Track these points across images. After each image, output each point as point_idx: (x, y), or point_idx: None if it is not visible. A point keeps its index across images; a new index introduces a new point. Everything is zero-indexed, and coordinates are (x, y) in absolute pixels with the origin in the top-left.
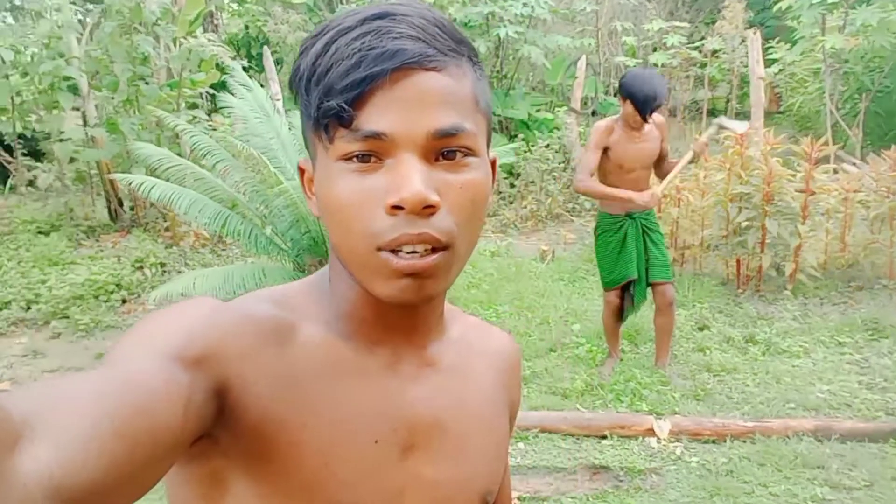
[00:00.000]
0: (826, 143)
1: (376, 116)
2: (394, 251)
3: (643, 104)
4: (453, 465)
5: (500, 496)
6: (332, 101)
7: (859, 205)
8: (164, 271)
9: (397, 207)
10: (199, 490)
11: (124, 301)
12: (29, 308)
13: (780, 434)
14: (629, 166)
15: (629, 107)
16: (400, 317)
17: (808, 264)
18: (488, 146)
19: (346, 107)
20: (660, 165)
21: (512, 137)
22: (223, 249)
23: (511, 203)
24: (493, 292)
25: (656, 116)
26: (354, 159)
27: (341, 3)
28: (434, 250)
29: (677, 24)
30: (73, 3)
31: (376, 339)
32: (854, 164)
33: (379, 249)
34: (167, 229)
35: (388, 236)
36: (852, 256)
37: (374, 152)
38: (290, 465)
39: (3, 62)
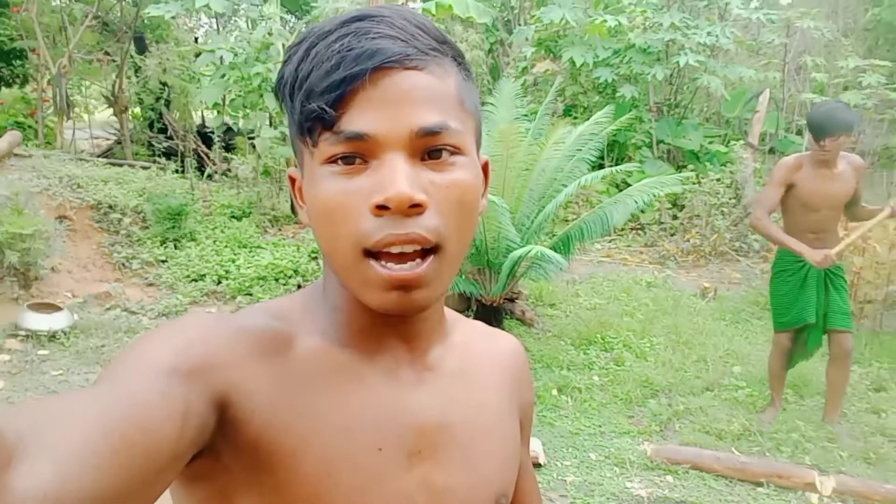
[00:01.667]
0: None
1: (358, 117)
2: (378, 259)
3: (816, 129)
4: (463, 469)
5: (529, 498)
6: (314, 103)
7: None
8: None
9: (383, 207)
10: None
11: (299, 286)
12: (220, 283)
13: None
14: (815, 205)
15: (819, 150)
16: (396, 324)
17: None
18: (478, 147)
19: (327, 108)
20: (851, 209)
21: (680, 168)
22: None
23: (672, 235)
24: (648, 323)
25: (854, 158)
26: (339, 161)
27: (519, 24)
28: (424, 252)
29: (876, 62)
30: (282, 15)
31: (374, 347)
32: None
33: (366, 254)
34: None
35: (374, 237)
36: None
37: (358, 154)
38: (293, 476)
39: (222, 63)
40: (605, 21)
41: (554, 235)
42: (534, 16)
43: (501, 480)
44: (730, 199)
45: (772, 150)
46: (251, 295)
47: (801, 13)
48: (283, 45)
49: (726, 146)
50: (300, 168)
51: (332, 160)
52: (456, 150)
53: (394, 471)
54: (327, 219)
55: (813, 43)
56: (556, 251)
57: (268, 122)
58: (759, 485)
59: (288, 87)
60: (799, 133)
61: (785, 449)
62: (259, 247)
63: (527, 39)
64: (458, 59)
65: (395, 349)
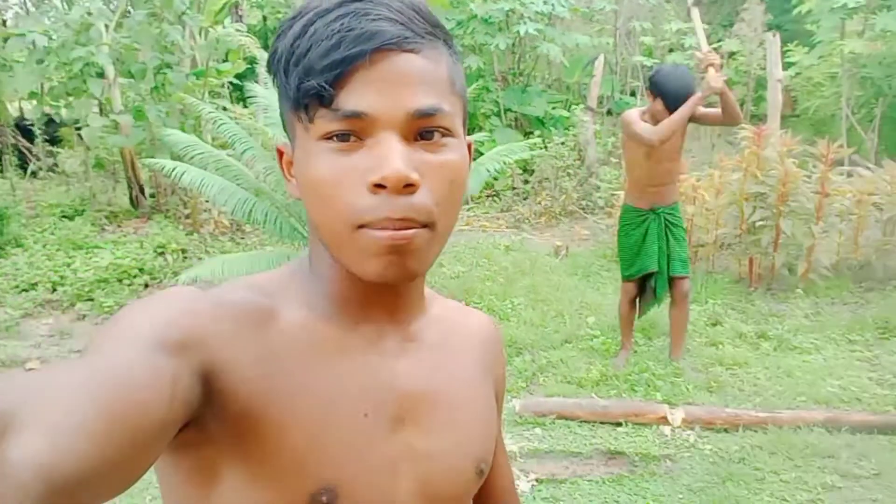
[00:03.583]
0: (841, 146)
1: (356, 96)
2: (373, 227)
3: (675, 102)
4: (445, 435)
5: (500, 472)
6: (313, 80)
7: (873, 207)
8: (185, 257)
9: (379, 186)
10: (190, 479)
11: (147, 286)
12: (55, 290)
13: (791, 425)
14: (657, 158)
15: (659, 104)
16: (382, 295)
17: (821, 264)
18: (465, 129)
19: (326, 86)
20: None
21: (527, 134)
22: (242, 237)
23: (525, 199)
24: (508, 285)
25: None
26: (335, 138)
27: None
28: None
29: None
30: None
31: (359, 318)
32: (868, 167)
33: (359, 227)
34: (188, 216)
35: (370, 215)
36: (864, 258)
37: (354, 132)
38: (280, 445)
39: (35, 47)
40: None
41: None
42: None
43: (481, 447)
44: (574, 160)
45: (609, 112)
46: (93, 300)
47: None
48: (106, 26)
49: (568, 111)
50: (291, 142)
51: (327, 137)
52: (447, 132)
53: (378, 437)
54: (322, 193)
55: (639, 9)
56: None
57: (97, 110)
58: (619, 424)
59: (283, 62)
60: (633, 94)
61: (639, 388)
62: (97, 247)
63: None
64: (449, 42)
65: (379, 320)
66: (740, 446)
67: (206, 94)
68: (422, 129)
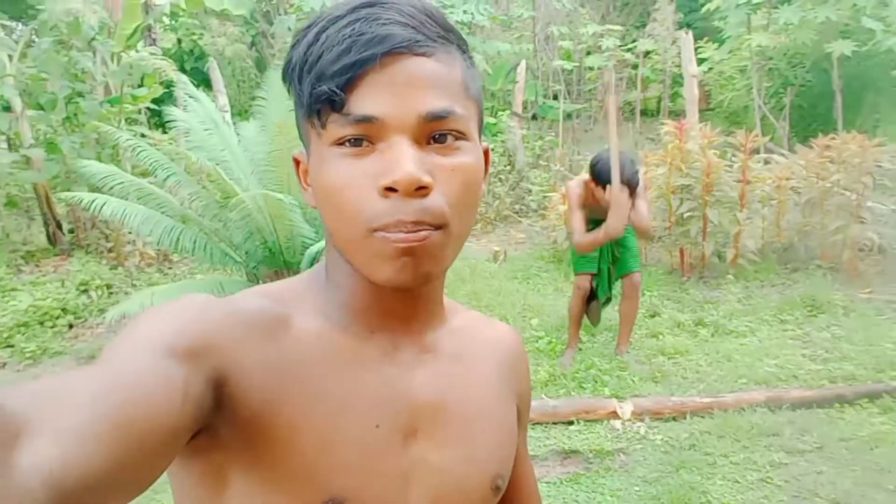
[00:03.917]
0: (757, 136)
1: (367, 100)
2: (387, 231)
3: (600, 177)
4: (459, 450)
5: (524, 482)
6: (324, 85)
7: (791, 191)
8: (111, 293)
9: (391, 189)
10: (202, 484)
11: (71, 326)
12: None
13: (735, 407)
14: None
15: (600, 191)
16: (398, 302)
17: (748, 249)
18: (480, 133)
19: (337, 91)
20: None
21: None
22: (169, 267)
23: None
24: (450, 293)
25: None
26: (347, 143)
27: (279, 14)
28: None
29: (611, 27)
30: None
31: (374, 328)
32: (783, 154)
33: (373, 231)
34: (111, 250)
35: (383, 219)
36: (787, 240)
37: (365, 136)
38: (290, 453)
39: None
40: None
41: None
42: (293, 4)
43: (498, 462)
44: (505, 166)
45: (534, 117)
46: (13, 346)
47: None
48: (10, 57)
49: (495, 117)
50: (307, 150)
51: (340, 142)
52: (460, 135)
53: (390, 448)
54: (335, 199)
55: (556, 14)
56: None
57: (5, 145)
58: (571, 423)
59: (297, 70)
60: (555, 98)
61: (587, 385)
62: (14, 289)
63: (290, 29)
64: (463, 47)
65: (395, 330)
66: (689, 433)
67: (123, 122)
68: (434, 132)
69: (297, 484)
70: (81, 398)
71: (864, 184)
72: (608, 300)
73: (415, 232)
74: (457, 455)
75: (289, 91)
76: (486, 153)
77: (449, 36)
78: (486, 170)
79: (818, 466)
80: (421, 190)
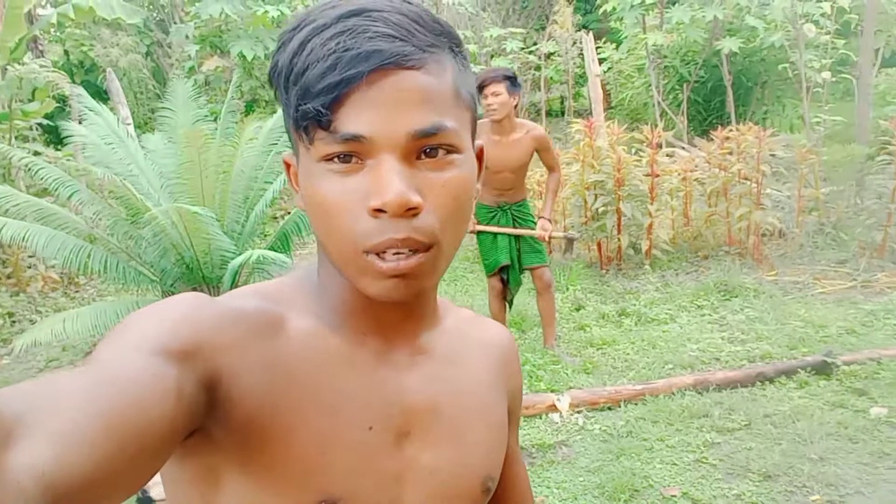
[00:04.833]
0: (660, 131)
1: (354, 118)
2: (378, 254)
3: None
4: (451, 450)
5: (516, 482)
6: (310, 104)
7: (696, 182)
8: (14, 321)
9: (380, 211)
10: (195, 485)
11: None
12: None
13: (666, 392)
14: (496, 168)
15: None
16: (389, 309)
17: (661, 240)
18: (473, 137)
19: (323, 110)
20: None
21: None
22: (76, 291)
23: None
24: None
25: (534, 128)
26: (336, 160)
27: (174, 22)
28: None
29: (513, 30)
30: None
31: (367, 330)
32: (683, 147)
33: (365, 252)
34: (10, 276)
35: (373, 240)
36: (696, 229)
37: (354, 153)
38: (284, 455)
39: None
40: (267, 12)
41: (268, 235)
42: (188, 12)
43: (489, 463)
44: None
45: None
46: None
47: None
48: None
49: None
50: (296, 156)
51: (328, 158)
52: (452, 149)
53: (383, 449)
54: (325, 216)
55: (459, 18)
56: (275, 251)
57: None
58: None
59: (283, 78)
60: None
61: (523, 381)
62: None
63: (187, 37)
64: (455, 47)
65: (388, 332)
66: (625, 420)
67: (14, 139)
68: (425, 147)
69: (291, 484)
70: (74, 399)
71: (762, 172)
72: (518, 285)
73: (405, 259)
74: (449, 456)
75: (275, 95)
76: (479, 153)
77: (439, 41)
78: (481, 169)
79: (747, 443)
80: (411, 210)
